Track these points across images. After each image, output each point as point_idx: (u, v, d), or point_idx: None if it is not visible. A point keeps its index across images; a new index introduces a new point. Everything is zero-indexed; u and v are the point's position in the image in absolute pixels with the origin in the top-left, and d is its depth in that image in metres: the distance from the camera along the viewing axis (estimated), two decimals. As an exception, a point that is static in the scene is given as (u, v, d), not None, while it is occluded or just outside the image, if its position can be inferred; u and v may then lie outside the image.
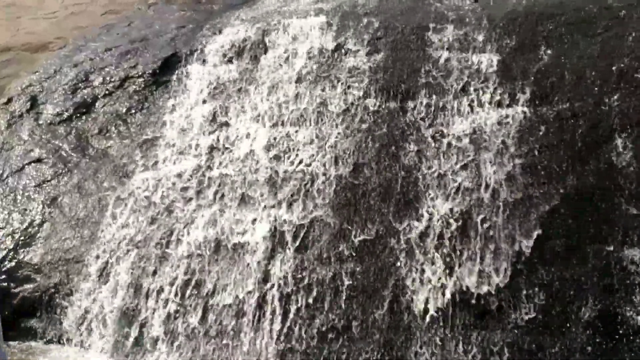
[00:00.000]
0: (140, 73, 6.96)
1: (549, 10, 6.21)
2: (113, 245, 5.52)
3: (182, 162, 5.98)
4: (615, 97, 5.30)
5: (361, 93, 6.01)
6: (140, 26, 7.97)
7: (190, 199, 5.65)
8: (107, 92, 6.90)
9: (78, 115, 6.77)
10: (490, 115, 5.46)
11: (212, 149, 6.03)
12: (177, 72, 6.85)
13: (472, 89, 5.70)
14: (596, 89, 5.39)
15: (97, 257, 5.56)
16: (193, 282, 5.22)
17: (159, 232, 5.50)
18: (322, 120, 5.89)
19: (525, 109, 5.42)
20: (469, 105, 5.62)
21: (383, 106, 5.87)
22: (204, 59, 6.85)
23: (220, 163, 5.89)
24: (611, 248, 4.60)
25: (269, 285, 5.04)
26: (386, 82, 6.02)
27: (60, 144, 6.54)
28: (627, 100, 5.24)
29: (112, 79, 7.00)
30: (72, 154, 6.42)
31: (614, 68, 5.48)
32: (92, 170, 6.21)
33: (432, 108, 5.71)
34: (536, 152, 5.14)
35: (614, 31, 5.80)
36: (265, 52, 6.71)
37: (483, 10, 6.52)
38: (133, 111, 6.64)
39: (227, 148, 6.02)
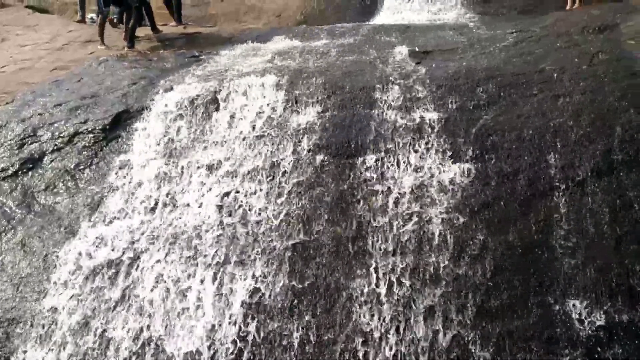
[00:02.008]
0: (90, 129, 6.92)
1: (488, 72, 6.59)
2: (58, 306, 5.33)
3: (131, 218, 5.90)
4: (552, 154, 5.60)
5: (311, 149, 6.14)
6: (91, 82, 7.97)
7: (139, 256, 5.55)
8: (55, 147, 6.81)
9: (24, 170, 6.63)
10: (435, 171, 5.66)
11: (162, 204, 5.99)
12: (128, 128, 6.85)
13: (417, 146, 5.92)
14: (534, 146, 5.69)
15: (41, 318, 5.35)
16: (139, 343, 5.08)
17: (106, 291, 5.36)
18: (272, 176, 5.97)
19: (468, 165, 5.65)
20: (415, 161, 5.81)
21: (333, 163, 6.01)
22: (155, 116, 6.89)
23: (170, 219, 5.84)
24: (553, 300, 4.76)
25: (217, 342, 4.96)
26: (335, 139, 6.19)
27: (5, 200, 6.36)
28: (564, 157, 5.54)
29: (61, 135, 6.92)
30: (17, 210, 6.25)
31: (549, 127, 5.81)
32: (38, 227, 6.05)
33: (380, 164, 5.87)
34: (479, 208, 5.33)
35: (548, 92, 6.19)
36: (217, 109, 6.81)
37: (426, 72, 6.86)
38: (82, 167, 6.56)
39: (177, 204, 5.99)
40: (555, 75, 6.34)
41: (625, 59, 6.41)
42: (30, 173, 6.61)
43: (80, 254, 5.64)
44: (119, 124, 6.93)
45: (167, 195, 6.02)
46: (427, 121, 6.16)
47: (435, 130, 6.06)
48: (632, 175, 5.28)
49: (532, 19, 8.81)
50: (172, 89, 7.23)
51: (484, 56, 7.18)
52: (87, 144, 6.77)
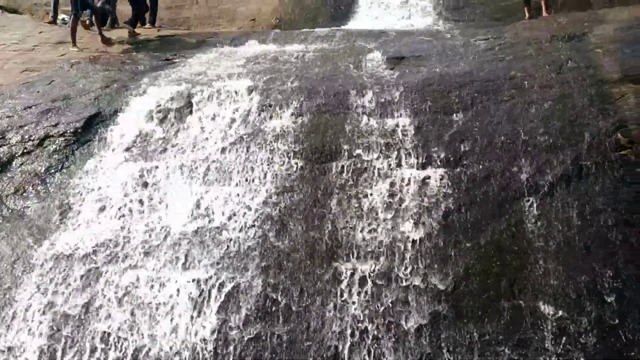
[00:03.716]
0: (61, 132, 6.82)
1: (461, 78, 6.68)
2: (27, 315, 5.23)
3: (103, 223, 5.83)
4: (523, 159, 5.70)
5: (285, 154, 6.15)
6: (62, 85, 7.85)
7: (111, 261, 5.48)
8: (25, 150, 6.69)
9: (-8, 174, 6.50)
10: (408, 176, 5.72)
11: (134, 209, 5.93)
12: (100, 131, 6.77)
13: (390, 151, 5.97)
14: (505, 152, 5.79)
15: (7, 327, 5.23)
16: (113, 347, 5.02)
17: (79, 298, 5.27)
18: (247, 180, 5.95)
19: (441, 170, 5.72)
20: (388, 166, 5.86)
21: (308, 167, 6.03)
22: (128, 119, 6.82)
23: (142, 223, 5.78)
24: (523, 303, 4.84)
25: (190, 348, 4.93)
26: (310, 143, 6.21)
27: (-29, 205, 6.22)
28: (534, 163, 5.65)
29: (31, 138, 6.81)
30: (-16, 214, 6.13)
31: (520, 133, 5.91)
32: (6, 232, 5.93)
33: (354, 169, 5.91)
34: (451, 212, 5.40)
35: (519, 99, 6.30)
36: (191, 112, 6.78)
37: (399, 78, 6.92)
38: (53, 171, 6.46)
39: (149, 208, 5.93)
40: (526, 82, 6.46)
41: (593, 67, 6.55)
42: (-2, 177, 6.48)
43: (49, 259, 5.54)
44: (90, 128, 6.84)
45: (139, 199, 5.96)
46: (401, 126, 6.22)
47: (409, 135, 6.12)
48: (600, 181, 5.40)
49: (503, 26, 8.95)
50: (145, 92, 7.18)
51: (457, 62, 7.27)
52: (58, 148, 6.67)
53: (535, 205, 5.39)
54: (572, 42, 7.32)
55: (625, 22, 7.59)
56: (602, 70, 6.46)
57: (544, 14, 9.77)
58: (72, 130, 6.80)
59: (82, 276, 5.41)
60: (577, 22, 7.95)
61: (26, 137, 6.82)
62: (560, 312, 4.76)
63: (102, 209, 5.98)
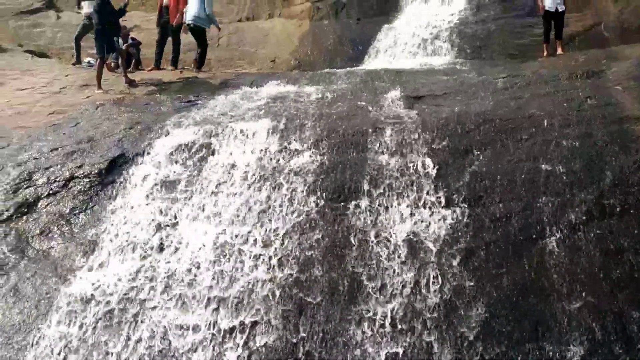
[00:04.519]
0: (86, 173, 6.95)
1: (479, 117, 6.71)
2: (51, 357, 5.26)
3: (126, 263, 5.89)
4: (544, 198, 5.67)
5: (306, 194, 6.19)
6: (87, 127, 8.04)
7: (135, 302, 5.51)
8: (51, 191, 6.83)
9: (19, 215, 6.62)
10: (428, 216, 5.71)
11: (157, 250, 5.99)
12: (123, 172, 6.89)
13: (410, 190, 5.98)
14: (526, 191, 5.77)
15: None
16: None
17: (103, 338, 5.30)
18: (268, 220, 5.99)
19: (461, 210, 5.70)
20: (408, 206, 5.86)
21: (327, 207, 6.05)
22: (151, 160, 6.94)
23: (166, 264, 5.83)
24: (549, 346, 4.75)
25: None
26: (330, 183, 6.25)
27: (-2, 246, 6.33)
28: (556, 202, 5.61)
29: (57, 179, 6.95)
30: (10, 255, 6.21)
31: (540, 171, 5.89)
32: (31, 273, 6.01)
33: (374, 209, 5.92)
34: (472, 253, 5.36)
35: (538, 137, 6.30)
36: (213, 153, 6.88)
37: (418, 117, 6.97)
38: (77, 211, 6.57)
39: (172, 249, 5.99)
40: (545, 120, 6.46)
41: (612, 104, 6.55)
42: (24, 217, 6.60)
43: (74, 300, 5.60)
44: (114, 169, 6.97)
45: (162, 240, 6.02)
46: (420, 165, 6.24)
47: (428, 174, 6.13)
48: (624, 220, 5.35)
49: (521, 64, 9.02)
50: (168, 133, 7.32)
51: (475, 101, 7.32)
52: (82, 189, 6.80)
53: (558, 244, 5.33)
54: (590, 79, 7.35)
55: (643, 58, 7.62)
56: (622, 107, 6.46)
57: (560, 51, 9.85)
58: (96, 171, 6.94)
59: (104, 317, 5.44)
60: (594, 60, 7.99)
61: (52, 178, 6.97)
62: (588, 356, 4.65)
63: (125, 249, 6.05)
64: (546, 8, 9.82)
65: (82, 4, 12.14)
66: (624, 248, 5.19)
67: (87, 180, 6.88)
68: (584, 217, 5.43)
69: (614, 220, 5.37)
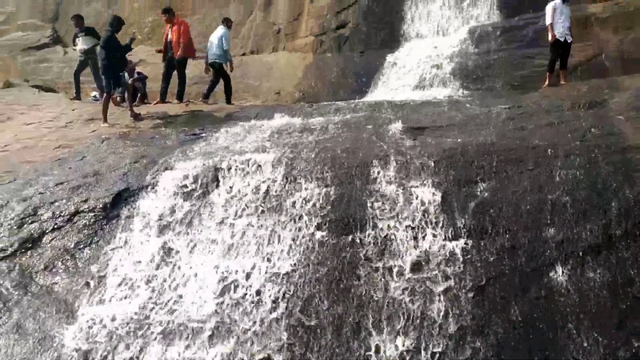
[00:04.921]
0: (91, 207, 6.96)
1: (483, 148, 6.73)
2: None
3: (131, 298, 5.85)
4: (550, 229, 5.64)
5: (311, 226, 6.18)
6: (93, 160, 8.09)
7: (140, 338, 5.46)
8: (55, 226, 6.83)
9: (23, 250, 6.61)
10: (434, 248, 5.68)
11: (162, 283, 5.96)
12: (128, 206, 6.90)
13: (416, 222, 5.96)
14: (532, 221, 5.74)
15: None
16: None
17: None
18: (272, 253, 5.97)
19: (467, 241, 5.67)
20: (414, 237, 5.84)
21: (333, 239, 6.03)
22: (156, 194, 6.96)
23: (170, 298, 5.80)
24: (562, 378, 4.68)
25: None
26: (335, 215, 6.23)
27: (1, 282, 6.30)
28: (562, 232, 5.58)
29: (62, 213, 6.96)
30: (13, 291, 6.18)
31: (546, 202, 5.87)
32: (34, 309, 5.97)
33: (379, 241, 5.90)
34: (480, 285, 5.31)
35: (543, 168, 6.30)
36: (217, 187, 6.90)
37: (422, 148, 6.99)
38: (82, 246, 6.56)
39: (176, 283, 5.96)
40: (549, 150, 6.47)
41: (615, 134, 6.57)
42: (29, 253, 6.59)
43: (76, 337, 5.55)
44: (119, 203, 6.98)
45: (167, 274, 6.00)
46: (425, 197, 6.23)
47: (434, 205, 6.11)
48: (631, 250, 5.30)
49: (523, 94, 9.09)
50: (173, 167, 7.35)
51: (478, 132, 7.35)
52: (87, 223, 6.80)
53: (565, 276, 5.29)
54: (593, 109, 7.39)
55: (644, 88, 7.66)
56: (625, 137, 6.47)
57: (563, 81, 9.91)
58: (101, 205, 6.95)
59: (109, 354, 5.38)
60: (596, 90, 8.04)
61: (57, 212, 6.98)
62: (599, 390, 4.57)
63: (131, 284, 6.02)
64: (557, 37, 9.90)
65: (77, 40, 12.28)
66: (632, 279, 5.13)
67: (92, 214, 6.89)
68: (591, 248, 5.39)
69: (621, 250, 5.32)
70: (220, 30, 11.65)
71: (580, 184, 5.94)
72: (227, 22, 11.93)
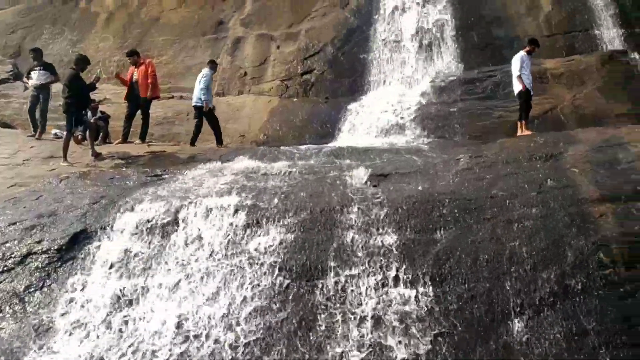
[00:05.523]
0: (45, 249, 6.75)
1: (443, 197, 6.83)
2: None
3: (84, 344, 5.64)
4: (508, 279, 5.71)
5: (272, 272, 6.11)
6: (50, 200, 7.88)
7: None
8: (5, 268, 6.59)
9: (-30, 293, 6.34)
10: (394, 296, 5.68)
11: (118, 329, 5.78)
12: (85, 248, 6.72)
13: (376, 269, 5.96)
14: (490, 271, 5.81)
15: None
16: None
17: None
18: (232, 299, 5.87)
19: (427, 290, 5.69)
20: (375, 285, 5.83)
21: (294, 285, 5.98)
22: (114, 236, 6.81)
23: (125, 344, 5.61)
24: None
25: None
26: (297, 261, 6.20)
27: (-56, 327, 6.01)
28: (519, 282, 5.65)
29: (13, 255, 6.73)
30: (-43, 337, 5.90)
31: (504, 252, 5.97)
32: (-22, 356, 5.69)
33: (340, 288, 5.87)
34: (439, 334, 5.31)
35: (501, 217, 6.42)
36: (177, 230, 6.79)
37: (384, 195, 7.06)
38: (32, 289, 6.33)
39: (133, 328, 5.78)
40: (507, 201, 6.61)
41: (571, 186, 6.75)
42: (-25, 296, 6.32)
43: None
44: (75, 244, 6.79)
45: (122, 320, 5.82)
46: (386, 244, 6.26)
47: (394, 253, 6.15)
48: (586, 301, 5.40)
49: (482, 144, 9.29)
50: (132, 209, 7.21)
51: (439, 180, 7.46)
52: (40, 265, 6.58)
53: (523, 326, 5.34)
54: (549, 161, 7.58)
55: (597, 142, 7.92)
56: (580, 189, 6.65)
57: (520, 132, 10.20)
58: (56, 247, 6.75)
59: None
60: (553, 142, 8.27)
61: (7, 254, 6.74)
62: None
63: (84, 329, 5.82)
64: (527, 87, 10.19)
65: (31, 74, 12.07)
66: (587, 329, 5.22)
67: (46, 256, 6.68)
68: (548, 298, 5.48)
69: (577, 301, 5.42)
70: (203, 71, 11.71)
71: (537, 235, 6.06)
72: (211, 64, 12.01)
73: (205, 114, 11.39)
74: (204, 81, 11.39)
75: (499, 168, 7.66)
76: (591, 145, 7.81)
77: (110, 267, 6.41)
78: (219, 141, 11.53)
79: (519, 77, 10.26)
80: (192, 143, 11.37)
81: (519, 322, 5.38)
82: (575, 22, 13.55)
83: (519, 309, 5.47)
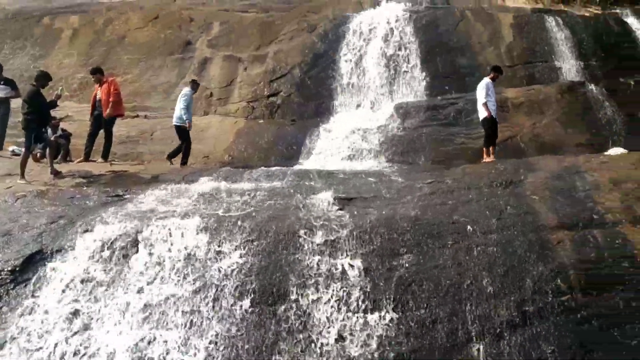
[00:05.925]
0: (-3, 270, 6.52)
1: (406, 221, 6.89)
2: None
3: (33, 371, 5.45)
4: (468, 304, 5.78)
5: (234, 296, 6.04)
6: (5, 219, 7.63)
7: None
8: (-46, 291, 6.33)
9: None
10: (357, 320, 5.67)
11: (72, 353, 5.60)
12: (40, 270, 6.52)
13: (339, 293, 5.95)
14: (452, 296, 5.87)
15: None
16: None
17: None
18: (193, 325, 5.76)
19: (389, 314, 5.71)
20: (338, 309, 5.82)
21: (256, 310, 5.92)
22: (72, 257, 6.63)
23: (78, 371, 5.44)
24: None
25: None
26: (259, 285, 6.14)
27: None
28: (480, 308, 5.72)
29: (-37, 276, 6.48)
30: None
31: (465, 277, 6.04)
32: None
33: (302, 312, 5.83)
34: (400, 358, 5.31)
35: (462, 243, 6.51)
36: (138, 251, 6.66)
37: (348, 219, 7.08)
38: (-19, 313, 6.09)
39: (88, 353, 5.61)
40: (469, 226, 6.71)
41: (530, 213, 6.90)
42: None
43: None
44: (30, 266, 6.58)
45: (78, 344, 5.64)
46: (349, 268, 6.27)
47: (357, 277, 6.15)
48: (544, 327, 5.50)
49: (445, 170, 9.43)
50: (91, 229, 7.04)
51: (402, 205, 7.53)
52: (-9, 287, 6.35)
53: (483, 351, 5.39)
54: (509, 188, 7.75)
55: (556, 170, 8.15)
56: (539, 217, 6.81)
57: (485, 159, 10.37)
58: (9, 268, 6.52)
59: None
60: (513, 169, 8.46)
61: (-43, 275, 6.49)
62: None
63: (35, 353, 5.61)
64: (492, 115, 10.28)
65: None
66: (546, 355, 5.29)
67: (-2, 277, 6.45)
68: (507, 324, 5.55)
69: (535, 327, 5.51)
70: (183, 90, 11.65)
71: (497, 261, 6.17)
72: (192, 83, 11.97)
73: (182, 133, 11.30)
74: (183, 101, 11.32)
75: (461, 194, 7.78)
76: (550, 173, 8.03)
77: (66, 290, 6.22)
78: (184, 162, 11.43)
79: (485, 104, 10.37)
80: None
81: (478, 347, 5.42)
82: (535, 53, 14.03)
83: (480, 334, 5.52)
